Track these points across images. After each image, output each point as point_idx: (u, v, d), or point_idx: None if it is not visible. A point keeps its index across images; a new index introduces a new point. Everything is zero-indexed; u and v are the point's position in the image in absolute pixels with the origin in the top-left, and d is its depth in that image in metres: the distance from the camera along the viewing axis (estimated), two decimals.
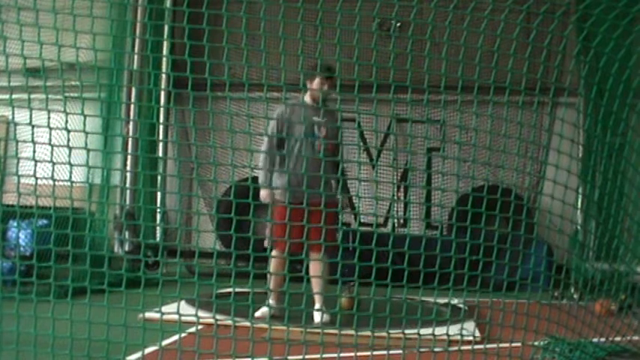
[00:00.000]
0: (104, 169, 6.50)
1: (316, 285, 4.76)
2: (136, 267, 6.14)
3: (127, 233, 7.98)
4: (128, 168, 7.91)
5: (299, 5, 3.24)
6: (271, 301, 4.88)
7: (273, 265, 4.86)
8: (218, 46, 3.26)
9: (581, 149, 5.00)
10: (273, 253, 4.79)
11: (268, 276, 4.93)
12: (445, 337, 3.35)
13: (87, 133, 3.22)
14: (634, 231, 3.98)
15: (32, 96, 3.23)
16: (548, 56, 3.45)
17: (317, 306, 4.76)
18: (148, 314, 3.51)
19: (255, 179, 5.20)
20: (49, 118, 3.23)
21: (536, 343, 3.52)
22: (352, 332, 3.23)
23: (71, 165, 3.23)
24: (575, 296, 5.49)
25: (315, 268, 4.69)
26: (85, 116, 3.22)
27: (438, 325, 3.43)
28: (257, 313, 4.71)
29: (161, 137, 8.83)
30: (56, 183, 3.27)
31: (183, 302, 3.86)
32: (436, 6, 3.66)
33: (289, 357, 3.25)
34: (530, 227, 3.91)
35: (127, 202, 8.21)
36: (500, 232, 3.42)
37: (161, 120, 8.86)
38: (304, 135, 4.78)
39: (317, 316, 4.71)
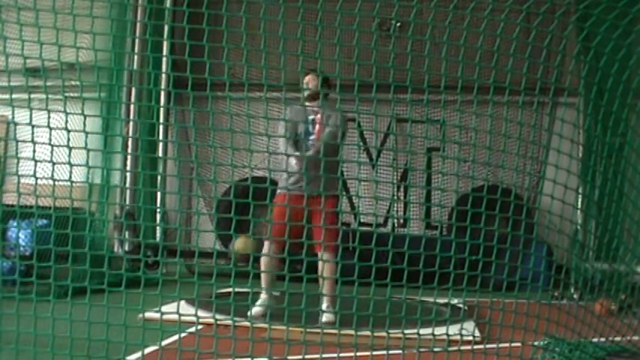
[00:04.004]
0: (104, 169, 6.50)
1: (326, 286, 4.76)
2: (135, 267, 6.14)
3: (127, 233, 7.98)
4: (128, 168, 7.91)
5: (299, 5, 3.24)
6: (263, 297, 4.94)
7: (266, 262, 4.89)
8: (218, 46, 3.26)
9: (581, 149, 5.00)
10: (267, 249, 4.83)
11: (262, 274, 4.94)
12: (445, 337, 3.35)
13: (87, 133, 3.22)
14: (634, 231, 3.98)
15: (32, 96, 3.23)
16: (548, 56, 3.45)
17: (323, 306, 4.76)
18: (148, 314, 3.51)
19: (254, 179, 5.20)
20: (49, 118, 3.23)
21: (536, 343, 3.52)
22: (352, 332, 3.23)
23: (71, 165, 3.23)
24: (575, 296, 5.49)
25: (324, 267, 4.71)
26: (85, 116, 3.22)
27: (437, 325, 3.43)
28: (253, 312, 4.74)
29: (161, 137, 8.83)
30: (56, 183, 3.28)
31: (183, 302, 3.86)
32: (436, 6, 3.66)
33: (289, 357, 3.25)
34: (530, 227, 3.90)
35: (127, 202, 8.21)
36: (500, 232, 3.42)
37: (161, 120, 8.86)
38: (303, 134, 4.95)
39: (323, 316, 4.69)
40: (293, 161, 4.89)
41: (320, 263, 4.72)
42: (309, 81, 5.04)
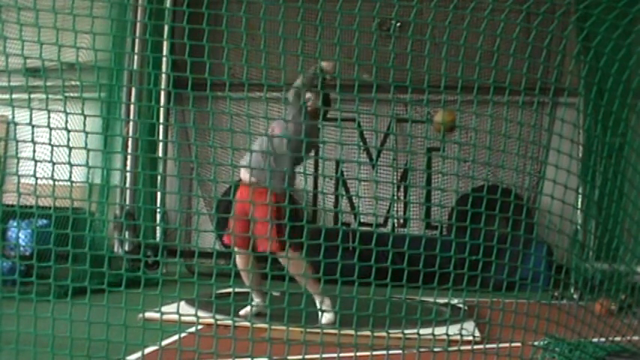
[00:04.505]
0: (104, 169, 6.50)
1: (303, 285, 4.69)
2: (136, 267, 6.14)
3: (127, 233, 7.98)
4: (128, 168, 7.91)
5: (299, 5, 3.24)
6: (257, 300, 4.95)
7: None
8: (218, 46, 3.26)
9: (581, 149, 5.00)
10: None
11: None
12: (445, 337, 3.35)
13: (87, 133, 3.22)
14: (634, 231, 3.98)
15: (32, 96, 3.23)
16: (548, 56, 3.45)
17: (318, 306, 4.75)
18: (148, 314, 3.51)
19: None
20: (49, 118, 3.23)
21: (536, 343, 3.52)
22: (352, 332, 3.23)
23: (71, 165, 3.24)
24: (575, 296, 5.49)
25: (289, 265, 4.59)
26: (85, 116, 3.22)
27: (437, 325, 3.43)
28: (241, 312, 4.75)
29: (161, 137, 8.83)
30: (56, 183, 3.27)
31: (183, 302, 3.86)
32: (436, 6, 3.66)
33: (289, 357, 3.25)
34: (530, 227, 3.90)
35: (127, 202, 8.21)
36: (500, 232, 3.42)
37: (161, 120, 8.86)
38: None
39: (323, 316, 4.67)
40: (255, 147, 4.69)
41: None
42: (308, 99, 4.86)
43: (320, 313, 4.66)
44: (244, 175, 4.79)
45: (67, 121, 3.21)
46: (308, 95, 4.90)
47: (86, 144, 3.23)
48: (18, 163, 3.52)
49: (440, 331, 3.42)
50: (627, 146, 3.92)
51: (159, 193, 8.22)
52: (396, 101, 6.87)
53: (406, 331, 3.28)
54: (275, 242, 4.45)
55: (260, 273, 4.89)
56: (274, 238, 4.38)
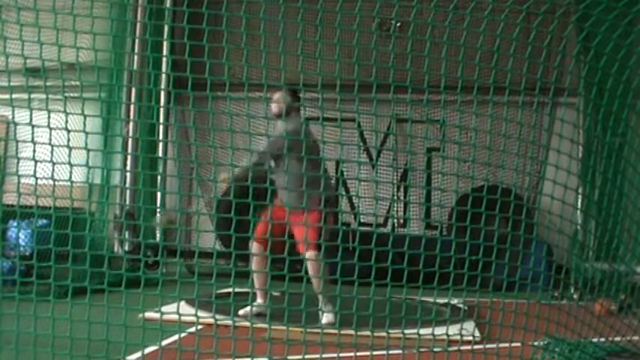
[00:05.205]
0: (104, 169, 6.50)
1: (315, 285, 4.74)
2: (136, 267, 6.14)
3: (127, 233, 7.99)
4: (128, 168, 7.91)
5: (299, 5, 3.24)
6: (259, 300, 4.99)
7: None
8: (218, 46, 3.26)
9: (581, 149, 5.00)
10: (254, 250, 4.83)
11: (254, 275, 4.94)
12: (445, 337, 3.35)
13: (87, 133, 3.22)
14: (634, 231, 3.98)
15: (32, 96, 3.23)
16: (548, 56, 3.45)
17: (320, 306, 4.74)
18: (148, 314, 3.51)
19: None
20: (49, 118, 3.23)
21: (536, 343, 3.52)
22: (352, 332, 3.23)
23: (71, 165, 3.24)
24: (575, 296, 5.49)
25: (308, 267, 4.67)
26: (85, 116, 3.22)
27: (437, 325, 3.43)
28: (240, 312, 4.75)
29: (161, 137, 8.83)
30: (56, 183, 3.28)
31: (183, 302, 3.86)
32: (436, 6, 3.66)
33: (289, 357, 3.25)
34: (530, 227, 3.90)
35: (127, 202, 8.22)
36: (500, 232, 3.42)
37: (161, 120, 8.86)
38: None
39: (323, 316, 4.67)
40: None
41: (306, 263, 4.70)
42: (276, 100, 4.94)
43: (320, 312, 4.66)
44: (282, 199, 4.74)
45: (67, 121, 3.22)
46: (276, 96, 4.96)
47: (86, 144, 3.23)
48: (18, 163, 3.52)
49: (440, 331, 3.42)
50: (627, 146, 3.92)
51: (159, 193, 8.22)
52: (396, 101, 6.86)
53: (406, 331, 3.28)
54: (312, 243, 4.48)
55: (266, 273, 4.91)
56: (312, 241, 4.43)
